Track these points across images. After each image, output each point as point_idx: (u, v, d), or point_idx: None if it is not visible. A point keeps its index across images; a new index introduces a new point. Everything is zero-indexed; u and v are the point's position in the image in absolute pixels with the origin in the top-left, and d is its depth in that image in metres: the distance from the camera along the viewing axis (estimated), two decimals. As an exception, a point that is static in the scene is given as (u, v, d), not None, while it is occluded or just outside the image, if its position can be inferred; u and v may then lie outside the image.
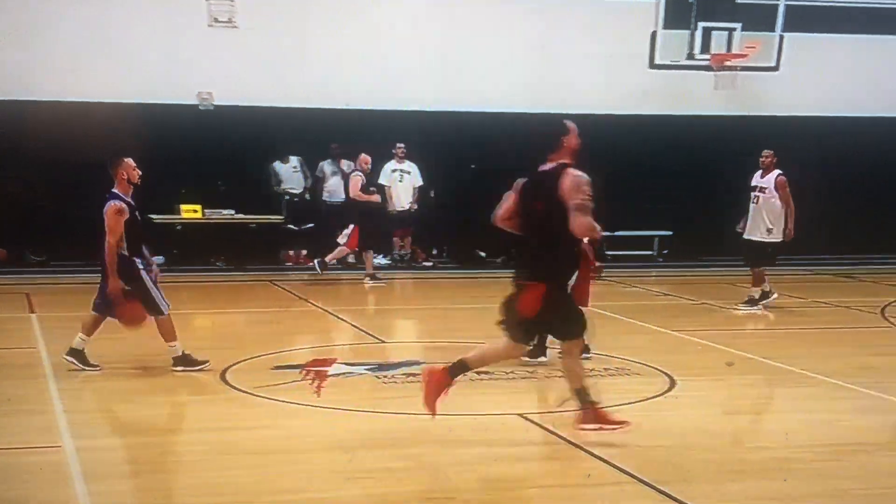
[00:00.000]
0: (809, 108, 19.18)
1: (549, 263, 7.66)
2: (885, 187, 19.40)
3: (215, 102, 18.36)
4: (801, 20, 18.38)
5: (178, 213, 18.09)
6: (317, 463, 7.33)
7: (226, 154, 17.78)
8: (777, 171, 14.13)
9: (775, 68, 18.07)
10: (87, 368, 9.86)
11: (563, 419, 8.51)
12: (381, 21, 18.61)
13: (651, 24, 17.81)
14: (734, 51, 17.79)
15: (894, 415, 9.11)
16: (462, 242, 18.96)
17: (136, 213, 9.67)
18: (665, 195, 19.03)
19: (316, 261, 16.58)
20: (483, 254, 18.98)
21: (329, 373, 10.04)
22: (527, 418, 8.51)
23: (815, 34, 18.89)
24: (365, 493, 6.71)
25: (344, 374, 10.09)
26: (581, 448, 7.71)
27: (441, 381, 7.86)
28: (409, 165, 18.61)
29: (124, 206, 9.51)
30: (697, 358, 11.12)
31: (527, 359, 10.01)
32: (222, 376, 9.82)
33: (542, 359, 10.34)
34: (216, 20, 18.16)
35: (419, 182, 18.69)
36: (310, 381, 9.68)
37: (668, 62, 17.76)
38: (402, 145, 18.42)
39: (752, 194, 14.25)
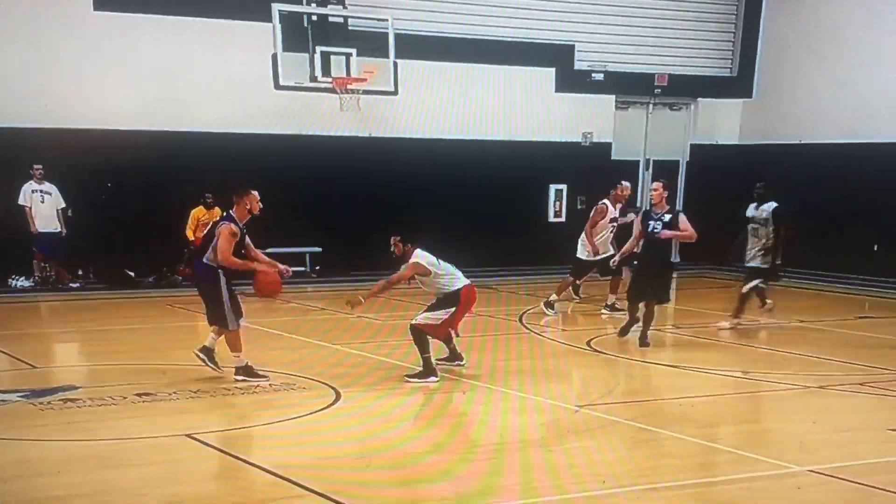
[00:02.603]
0: (428, 131, 20.47)
1: None
2: (503, 203, 20.81)
3: None
4: (412, 48, 19.48)
5: None
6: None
7: None
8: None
9: (394, 92, 18.97)
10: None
11: (233, 437, 8.48)
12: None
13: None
14: (353, 75, 18.47)
15: (545, 414, 9.74)
16: (109, 262, 18.34)
17: (245, 238, 10.69)
18: (314, 213, 19.44)
19: None
20: (132, 273, 18.42)
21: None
22: (195, 438, 8.38)
23: (425, 61, 20.11)
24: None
25: (-4, 403, 9.50)
26: (254, 465, 7.70)
27: None
28: (48, 186, 17.80)
29: (237, 230, 10.43)
30: (360, 370, 11.37)
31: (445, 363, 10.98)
32: None
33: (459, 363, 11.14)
34: None
35: (61, 203, 17.90)
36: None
37: (292, 84, 18.15)
38: (40, 166, 17.62)
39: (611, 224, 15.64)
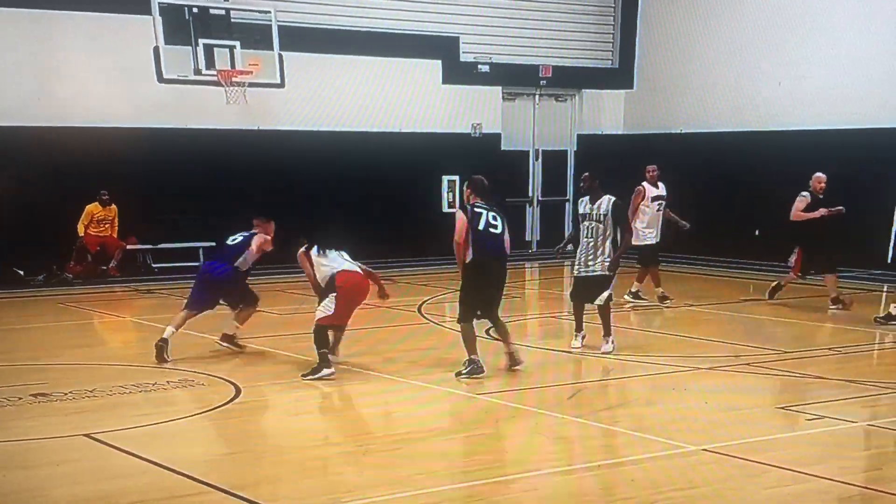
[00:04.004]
0: (317, 123, 20.40)
1: None
2: (397, 194, 20.89)
3: None
4: (298, 41, 19.44)
5: None
6: None
7: None
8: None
9: (280, 85, 18.89)
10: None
11: (133, 436, 8.38)
12: None
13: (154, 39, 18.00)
14: (238, 68, 18.33)
15: (446, 403, 9.86)
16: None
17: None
18: (207, 206, 19.21)
19: None
20: (21, 272, 17.94)
21: None
22: (94, 438, 8.27)
23: (312, 54, 20.07)
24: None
25: None
26: (155, 463, 7.63)
27: None
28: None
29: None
30: (260, 365, 11.33)
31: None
32: None
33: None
34: None
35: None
36: None
37: (175, 77, 17.95)
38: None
39: (657, 203, 15.29)
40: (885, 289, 17.20)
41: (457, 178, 21.72)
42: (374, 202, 20.66)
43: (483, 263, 10.52)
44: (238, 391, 9.93)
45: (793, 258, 15.00)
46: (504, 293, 10.98)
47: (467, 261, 10.53)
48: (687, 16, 22.42)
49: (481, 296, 10.65)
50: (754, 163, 20.37)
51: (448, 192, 21.86)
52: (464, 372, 10.44)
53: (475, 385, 10.21)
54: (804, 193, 14.83)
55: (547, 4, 22.89)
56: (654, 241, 15.29)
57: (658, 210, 15.33)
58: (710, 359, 11.46)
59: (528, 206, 23.42)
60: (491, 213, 10.66)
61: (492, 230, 10.58)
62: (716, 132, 21.42)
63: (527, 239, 23.44)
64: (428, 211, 21.64)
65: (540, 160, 23.33)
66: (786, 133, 20.26)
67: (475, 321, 10.71)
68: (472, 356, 10.53)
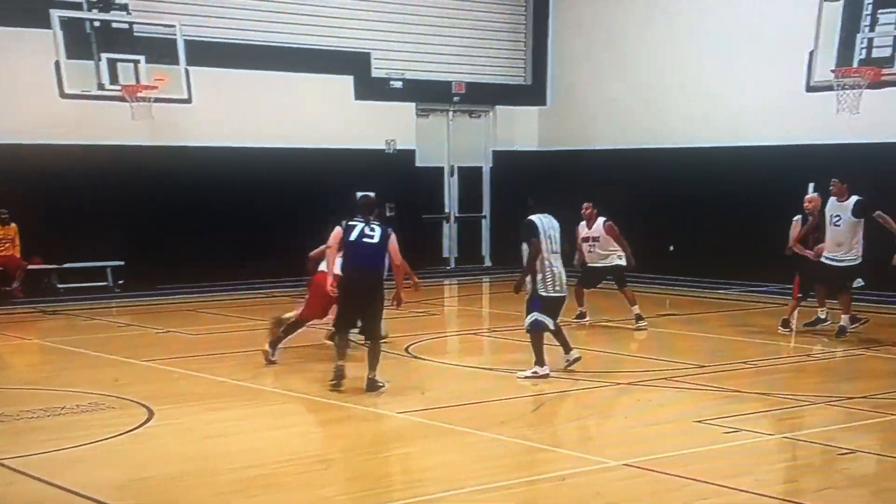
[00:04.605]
0: (227, 139, 20.07)
1: None
2: (310, 211, 20.46)
3: None
4: (206, 55, 19.21)
5: None
6: None
7: None
8: (602, 219, 14.70)
9: (188, 100, 18.63)
10: None
11: (41, 461, 8.11)
12: None
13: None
14: (143, 82, 18.06)
15: (368, 422, 9.72)
16: None
17: None
18: (115, 225, 18.82)
19: None
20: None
21: None
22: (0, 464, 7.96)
23: (221, 69, 19.81)
24: None
25: None
26: (65, 489, 7.37)
27: None
28: None
29: None
30: (174, 386, 11.06)
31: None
32: None
33: None
34: None
35: None
36: None
37: (78, 92, 17.57)
38: None
39: (587, 245, 14.83)
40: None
41: (372, 194, 21.52)
42: (288, 218, 20.40)
43: (351, 277, 10.69)
44: (151, 414, 9.66)
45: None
46: (382, 308, 10.88)
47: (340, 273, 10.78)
48: (597, 33, 22.66)
49: (350, 309, 10.75)
50: (667, 179, 20.60)
51: (364, 209, 21.68)
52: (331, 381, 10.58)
53: (395, 404, 10.08)
54: (796, 218, 14.37)
55: (459, 21, 22.92)
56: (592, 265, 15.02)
57: (589, 251, 14.86)
58: (629, 374, 11.50)
59: (444, 222, 23.37)
60: (368, 227, 10.74)
61: (366, 240, 10.65)
62: (629, 149, 21.63)
63: (444, 255, 23.37)
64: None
65: (456, 176, 23.32)
66: (698, 150, 20.52)
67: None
68: (339, 362, 10.69)
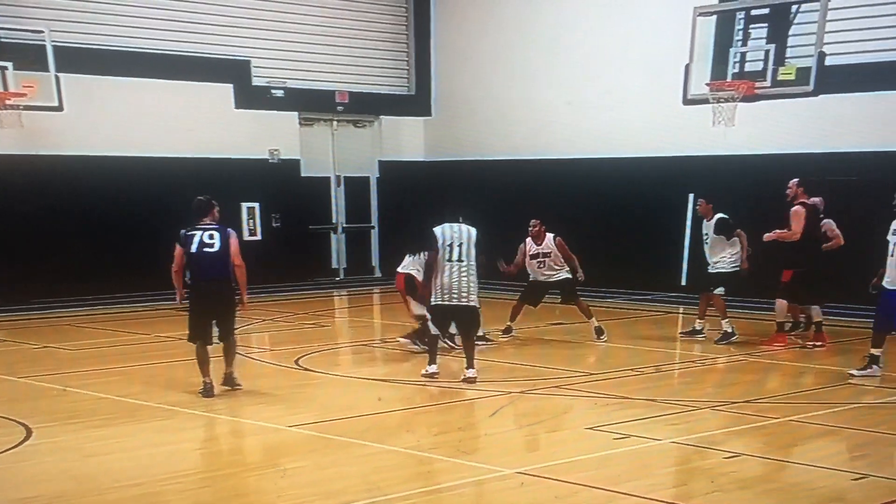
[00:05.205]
0: (103, 148, 19.46)
1: None
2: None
3: None
4: (79, 62, 18.72)
5: None
6: None
7: None
8: (552, 235, 14.47)
9: (59, 108, 18.12)
10: None
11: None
12: None
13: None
14: (11, 90, 17.51)
15: (257, 436, 9.54)
16: None
17: None
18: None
19: None
20: None
21: None
22: None
23: (96, 76, 19.30)
24: None
25: None
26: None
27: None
28: None
29: None
30: (53, 403, 10.69)
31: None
32: None
33: None
34: None
35: None
36: None
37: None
38: None
39: (537, 261, 14.49)
40: (680, 310, 17.85)
41: (256, 204, 21.30)
42: (166, 231, 19.78)
43: (198, 288, 10.84)
44: (29, 432, 9.32)
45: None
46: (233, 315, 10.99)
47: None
48: (480, 45, 22.76)
49: (200, 318, 10.84)
50: (551, 189, 20.75)
51: (248, 220, 21.34)
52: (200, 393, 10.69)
53: (286, 417, 9.91)
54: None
55: (341, 30, 22.75)
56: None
57: (539, 267, 14.69)
58: (521, 383, 11.52)
59: (332, 233, 23.16)
60: (206, 233, 10.81)
61: (206, 250, 10.73)
62: (514, 159, 21.76)
63: (333, 266, 23.14)
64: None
65: (342, 186, 23.14)
66: (581, 161, 20.72)
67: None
68: (204, 378, 10.77)
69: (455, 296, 11.38)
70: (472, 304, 11.50)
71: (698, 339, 14.44)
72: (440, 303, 11.43)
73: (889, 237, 11.46)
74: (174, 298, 11.48)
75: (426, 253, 11.68)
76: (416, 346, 13.28)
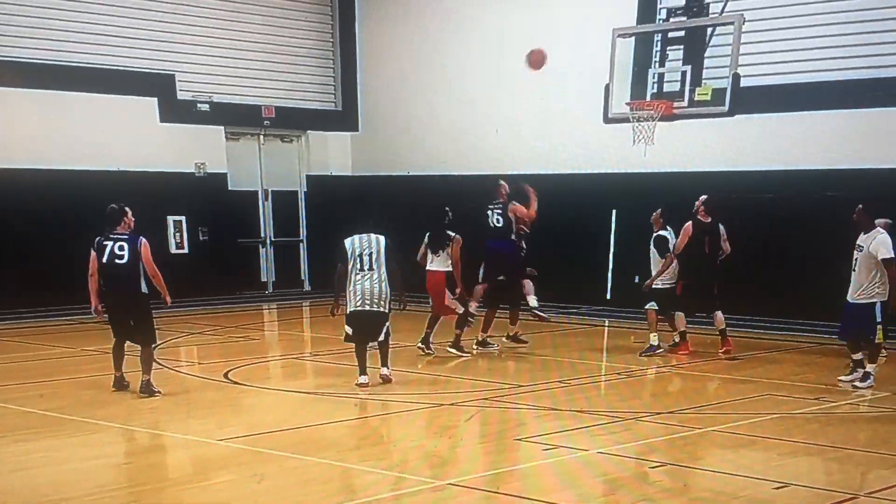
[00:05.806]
0: (22, 161, 18.94)
1: None
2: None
3: None
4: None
5: None
6: None
7: None
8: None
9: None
10: None
11: None
12: None
13: None
14: None
15: (186, 450, 9.46)
16: None
17: None
18: None
19: None
20: None
21: None
22: None
23: (10, 88, 18.86)
24: None
25: None
26: None
27: None
28: None
29: None
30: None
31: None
32: None
33: None
34: None
35: None
36: None
37: None
38: None
39: None
40: (606, 323, 18.10)
41: (183, 218, 21.08)
42: (86, 244, 19.57)
43: (111, 297, 11.32)
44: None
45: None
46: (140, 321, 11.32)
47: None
48: (403, 62, 22.83)
49: (117, 325, 11.43)
50: (478, 204, 20.79)
51: (175, 233, 21.12)
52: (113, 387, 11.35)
53: (215, 431, 9.85)
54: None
55: (266, 45, 22.63)
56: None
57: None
58: (451, 395, 11.60)
59: (261, 246, 23.03)
60: (117, 244, 11.11)
61: (117, 261, 11.09)
62: (442, 175, 21.83)
63: (262, 280, 23.00)
64: (155, 252, 20.75)
65: (270, 200, 23.04)
66: (506, 178, 20.80)
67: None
68: (115, 373, 11.49)
69: (368, 302, 11.78)
70: (381, 310, 11.88)
71: (658, 354, 14.33)
72: (353, 309, 11.86)
73: (855, 252, 11.88)
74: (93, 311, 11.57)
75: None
76: (464, 353, 14.14)
